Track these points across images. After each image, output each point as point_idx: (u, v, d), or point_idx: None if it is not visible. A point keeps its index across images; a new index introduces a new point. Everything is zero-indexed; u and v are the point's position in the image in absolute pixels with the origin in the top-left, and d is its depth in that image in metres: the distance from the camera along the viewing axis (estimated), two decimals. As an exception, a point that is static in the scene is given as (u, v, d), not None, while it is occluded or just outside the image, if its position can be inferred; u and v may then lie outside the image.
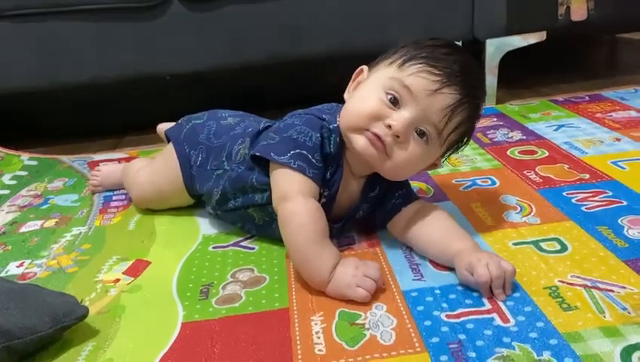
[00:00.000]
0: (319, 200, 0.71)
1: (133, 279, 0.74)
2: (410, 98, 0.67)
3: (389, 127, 0.67)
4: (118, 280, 0.74)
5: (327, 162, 0.72)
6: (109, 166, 1.11)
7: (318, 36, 1.30)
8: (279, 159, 0.70)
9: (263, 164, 0.74)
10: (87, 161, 1.25)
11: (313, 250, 0.66)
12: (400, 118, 0.66)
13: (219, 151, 0.83)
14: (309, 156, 0.70)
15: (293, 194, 0.68)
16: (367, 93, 0.69)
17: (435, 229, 0.72)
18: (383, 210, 0.77)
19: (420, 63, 0.67)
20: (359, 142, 0.69)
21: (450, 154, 0.75)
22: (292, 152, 0.70)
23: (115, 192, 1.04)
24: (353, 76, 0.76)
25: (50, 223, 0.94)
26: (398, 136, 0.67)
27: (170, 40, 1.27)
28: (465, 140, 0.74)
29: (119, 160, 1.24)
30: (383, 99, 0.68)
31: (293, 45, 1.31)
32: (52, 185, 1.12)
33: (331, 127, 0.73)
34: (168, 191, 0.90)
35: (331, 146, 0.72)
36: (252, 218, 0.80)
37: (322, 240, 0.67)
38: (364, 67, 0.75)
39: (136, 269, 0.76)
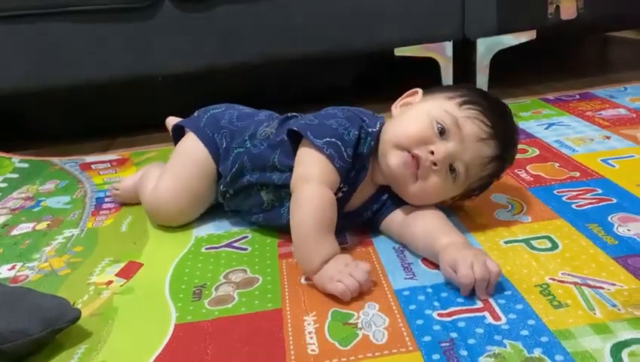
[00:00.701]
0: (336, 194, 0.72)
1: (125, 281, 0.74)
2: (457, 135, 0.71)
3: (432, 153, 0.70)
4: (110, 282, 0.74)
5: (355, 161, 0.73)
6: (127, 181, 0.99)
7: (310, 36, 1.30)
8: (315, 141, 0.71)
9: (292, 142, 0.75)
10: (78, 163, 1.24)
11: (314, 238, 0.68)
12: (444, 148, 0.70)
13: (242, 131, 0.84)
14: (342, 148, 0.71)
15: (313, 179, 0.70)
16: (420, 116, 0.72)
17: (425, 224, 0.72)
18: (384, 207, 0.78)
19: (477, 110, 0.71)
20: (395, 159, 0.72)
21: (458, 199, 0.78)
22: (328, 139, 0.71)
23: (107, 193, 1.04)
24: (405, 94, 0.80)
25: (42, 225, 0.93)
26: (435, 164, 0.70)
27: (163, 41, 1.27)
28: (476, 193, 0.78)
29: (111, 161, 1.24)
30: (433, 126, 0.71)
31: (286, 45, 1.31)
32: (44, 188, 1.11)
33: (370, 130, 0.75)
34: (199, 187, 0.85)
35: (365, 147, 0.74)
36: (261, 201, 0.80)
37: (326, 231, 0.68)
38: (420, 90, 0.79)
39: (129, 271, 0.76)
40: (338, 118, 0.74)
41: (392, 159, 0.72)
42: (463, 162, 0.71)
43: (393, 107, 0.80)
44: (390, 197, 0.77)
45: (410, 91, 0.80)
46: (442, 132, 0.71)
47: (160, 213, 0.87)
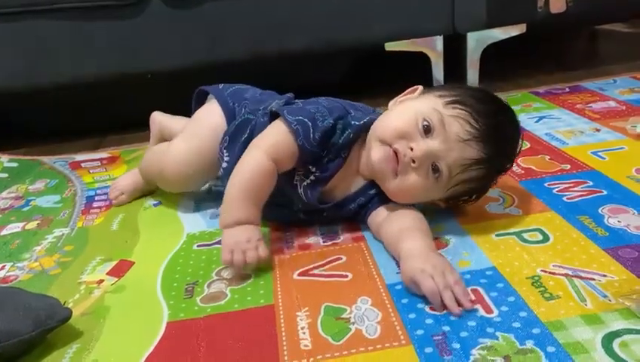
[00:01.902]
0: (307, 177, 0.75)
1: (117, 279, 0.73)
2: (441, 134, 0.69)
3: (411, 149, 0.69)
4: (102, 280, 0.73)
5: (328, 148, 0.74)
6: (125, 175, 1.01)
7: (298, 32, 1.30)
8: (287, 116, 0.74)
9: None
10: (68, 162, 1.23)
11: (236, 199, 0.72)
12: (424, 146, 0.69)
13: (260, 103, 0.85)
14: (311, 130, 0.73)
15: (263, 148, 0.73)
16: (407, 112, 0.72)
17: (394, 227, 0.72)
18: (370, 202, 0.78)
19: (465, 110, 0.69)
20: (377, 153, 0.72)
21: (454, 203, 0.77)
22: (300, 118, 0.74)
23: (97, 192, 1.04)
24: (406, 91, 0.80)
25: (32, 225, 0.93)
26: (414, 161, 0.69)
27: (151, 38, 1.26)
28: (474, 197, 0.76)
29: (101, 160, 1.23)
30: (417, 123, 0.70)
31: (273, 42, 1.30)
32: (33, 187, 1.10)
33: (352, 122, 0.75)
34: (209, 153, 0.85)
35: (341, 138, 0.75)
36: None
37: (251, 197, 0.72)
38: (420, 87, 0.79)
39: (120, 269, 0.76)
40: (320, 106, 0.76)
41: (374, 153, 0.72)
42: (446, 162, 0.69)
43: (392, 103, 0.80)
44: (378, 194, 0.77)
45: (410, 88, 0.80)
46: (427, 130, 0.69)
47: (165, 173, 0.87)
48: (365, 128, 0.76)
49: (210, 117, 0.88)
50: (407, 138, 0.70)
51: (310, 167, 0.75)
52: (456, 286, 0.60)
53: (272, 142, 0.74)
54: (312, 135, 0.73)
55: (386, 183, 0.73)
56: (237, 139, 0.82)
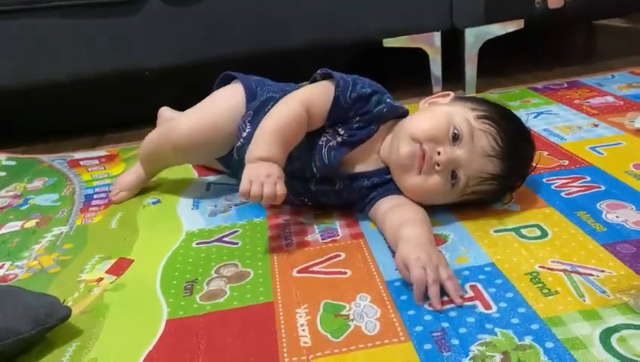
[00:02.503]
0: (334, 139, 0.78)
1: (116, 277, 0.73)
2: (468, 144, 0.72)
3: (439, 153, 0.72)
4: (101, 279, 0.73)
5: (361, 115, 0.78)
6: (126, 173, 1.01)
7: (297, 29, 1.30)
8: (334, 73, 0.80)
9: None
10: (66, 160, 1.23)
11: (264, 135, 0.75)
12: (451, 152, 0.72)
13: (285, 86, 0.88)
14: (350, 88, 0.78)
15: (297, 98, 0.77)
16: (439, 116, 0.75)
17: (396, 218, 0.73)
18: (384, 186, 0.80)
19: (494, 127, 0.73)
20: (406, 148, 0.74)
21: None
22: (344, 76, 0.79)
23: (96, 190, 1.04)
24: (437, 94, 0.84)
25: (30, 224, 0.93)
26: (438, 165, 0.71)
27: (149, 35, 1.26)
28: (476, 204, 0.78)
29: (99, 158, 1.23)
30: (448, 129, 0.73)
31: (272, 38, 1.30)
32: (32, 185, 1.10)
33: (387, 100, 0.81)
34: (221, 127, 0.86)
35: (375, 109, 0.79)
36: None
37: (279, 138, 0.74)
38: (452, 93, 0.83)
39: (120, 267, 0.76)
40: (364, 78, 0.81)
41: (404, 147, 0.74)
42: (465, 172, 0.73)
43: (422, 102, 0.83)
44: (392, 180, 0.79)
45: (441, 93, 0.84)
46: (456, 138, 0.72)
47: (173, 140, 0.87)
48: (398, 113, 0.80)
49: (229, 94, 0.90)
50: (437, 141, 0.73)
51: (339, 129, 0.78)
52: (448, 282, 0.61)
53: (308, 94, 0.78)
54: (349, 92, 0.77)
55: (404, 178, 0.75)
56: (260, 114, 0.82)
